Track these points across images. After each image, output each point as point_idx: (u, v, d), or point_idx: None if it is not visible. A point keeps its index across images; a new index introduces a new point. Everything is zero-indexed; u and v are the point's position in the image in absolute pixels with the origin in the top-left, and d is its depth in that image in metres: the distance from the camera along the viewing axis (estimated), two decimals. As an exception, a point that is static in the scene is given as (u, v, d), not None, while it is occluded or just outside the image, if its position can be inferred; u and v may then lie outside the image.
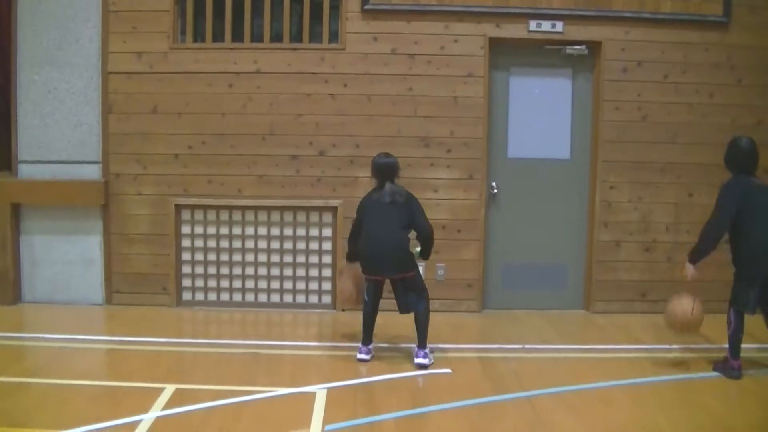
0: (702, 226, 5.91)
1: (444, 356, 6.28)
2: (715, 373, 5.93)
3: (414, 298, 6.09)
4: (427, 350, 6.06)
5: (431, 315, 6.16)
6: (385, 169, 6.18)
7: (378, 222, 6.03)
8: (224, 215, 7.76)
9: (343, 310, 7.40)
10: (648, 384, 5.74)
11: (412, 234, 6.15)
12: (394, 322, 6.15)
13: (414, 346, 6.12)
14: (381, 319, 6.30)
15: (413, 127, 7.61)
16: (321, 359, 6.26)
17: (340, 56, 7.59)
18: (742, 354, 5.90)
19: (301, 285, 7.81)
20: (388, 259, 6.01)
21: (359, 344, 6.19)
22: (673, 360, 6.35)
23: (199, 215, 7.76)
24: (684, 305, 5.95)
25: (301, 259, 7.79)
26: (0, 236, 7.49)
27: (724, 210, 5.77)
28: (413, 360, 6.02)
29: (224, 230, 7.78)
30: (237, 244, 7.78)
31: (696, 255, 5.89)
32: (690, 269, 5.91)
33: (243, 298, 7.82)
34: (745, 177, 5.83)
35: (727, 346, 5.92)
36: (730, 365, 5.87)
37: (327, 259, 7.76)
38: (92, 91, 7.53)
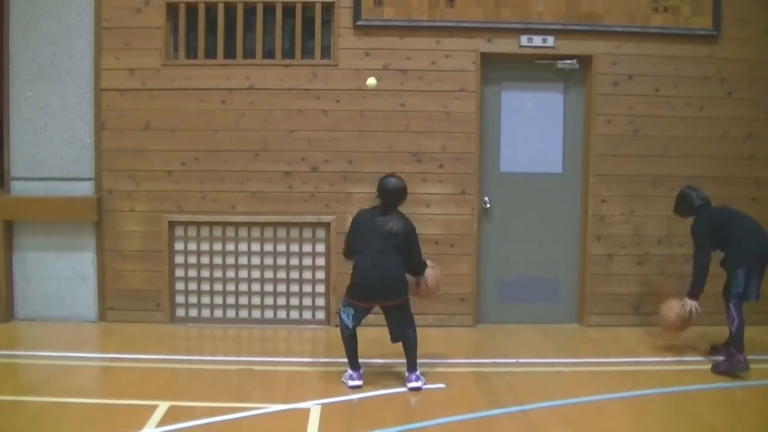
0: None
1: (438, 371, 6.26)
2: (711, 385, 5.94)
3: (405, 323, 5.96)
4: (418, 373, 5.91)
5: (425, 330, 6.13)
6: (393, 194, 5.96)
7: (374, 247, 5.80)
8: (218, 231, 7.75)
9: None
10: (643, 396, 5.74)
11: None
12: (385, 336, 6.13)
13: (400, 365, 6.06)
14: (373, 334, 6.33)
15: (405, 142, 7.63)
16: (315, 375, 6.23)
17: (333, 72, 7.61)
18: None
19: (294, 301, 7.79)
20: (383, 287, 5.82)
21: (348, 370, 5.97)
22: (667, 372, 6.35)
23: (192, 231, 7.75)
24: (673, 306, 6.57)
25: (294, 275, 7.77)
26: (-8, 254, 7.49)
27: (703, 243, 6.38)
28: (406, 384, 5.86)
29: (218, 246, 7.76)
30: (230, 260, 7.77)
31: (695, 290, 6.40)
32: (691, 303, 6.41)
33: (237, 314, 7.80)
34: (706, 209, 6.54)
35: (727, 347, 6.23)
36: (737, 359, 6.06)
37: (320, 274, 7.75)
38: (85, 107, 7.53)
